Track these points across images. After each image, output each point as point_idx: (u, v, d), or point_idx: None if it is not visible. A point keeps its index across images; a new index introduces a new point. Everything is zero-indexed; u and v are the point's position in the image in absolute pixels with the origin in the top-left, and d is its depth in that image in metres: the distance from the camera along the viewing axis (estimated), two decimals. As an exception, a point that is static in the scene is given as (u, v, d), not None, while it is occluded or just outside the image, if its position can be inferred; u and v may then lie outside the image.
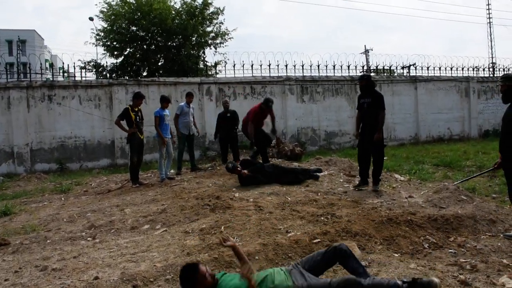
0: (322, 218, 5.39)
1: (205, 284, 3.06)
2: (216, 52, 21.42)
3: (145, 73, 20.20)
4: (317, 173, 8.47)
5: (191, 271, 3.09)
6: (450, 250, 4.36)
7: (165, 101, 9.84)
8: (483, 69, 20.31)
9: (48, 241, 5.41)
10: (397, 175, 9.08)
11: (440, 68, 18.97)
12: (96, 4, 18.71)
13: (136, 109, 9.32)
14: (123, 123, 9.29)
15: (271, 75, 16.31)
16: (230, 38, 20.79)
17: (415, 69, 18.88)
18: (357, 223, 4.97)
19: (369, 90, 7.36)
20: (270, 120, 10.54)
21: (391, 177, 8.80)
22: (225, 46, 25.63)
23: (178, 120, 10.42)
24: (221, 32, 20.69)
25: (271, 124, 10.55)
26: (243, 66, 16.01)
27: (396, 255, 4.30)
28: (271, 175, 7.92)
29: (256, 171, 7.95)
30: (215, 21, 20.62)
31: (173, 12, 19.58)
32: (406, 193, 6.99)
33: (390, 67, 18.93)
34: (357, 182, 7.64)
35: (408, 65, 19.24)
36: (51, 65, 17.35)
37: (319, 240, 4.50)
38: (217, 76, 17.47)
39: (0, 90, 13.63)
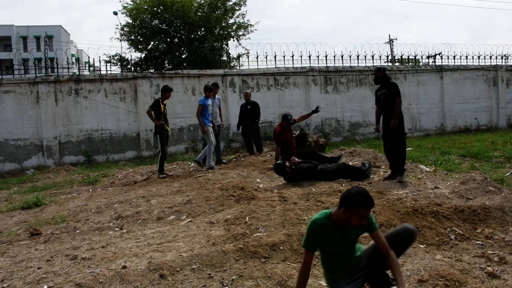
0: (347, 208, 5.36)
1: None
2: (239, 44, 21.47)
3: (169, 66, 20.37)
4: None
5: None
6: (477, 242, 4.30)
7: (207, 90, 10.01)
8: (513, 57, 19.71)
9: (77, 231, 5.56)
10: (422, 166, 8.95)
11: (466, 57, 18.48)
12: (120, 1, 19.08)
13: (165, 102, 9.54)
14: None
15: (294, 66, 16.23)
16: (252, 31, 20.75)
17: (441, 58, 18.45)
18: (382, 214, 4.94)
19: (384, 81, 7.41)
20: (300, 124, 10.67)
21: (416, 168, 8.68)
22: (248, 38, 25.62)
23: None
24: (244, 24, 20.66)
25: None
26: (266, 57, 15.98)
27: (422, 246, 4.26)
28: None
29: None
30: (237, 13, 20.60)
31: (195, 5, 19.63)
32: (431, 184, 6.89)
33: (415, 56, 18.56)
34: (388, 175, 7.55)
35: (434, 54, 18.81)
36: (77, 60, 17.67)
37: (343, 231, 4.48)
38: (241, 68, 17.47)
39: (29, 84, 13.98)
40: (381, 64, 17.52)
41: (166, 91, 9.59)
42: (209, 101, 9.92)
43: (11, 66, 16.23)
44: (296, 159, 7.50)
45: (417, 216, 4.85)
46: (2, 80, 14.00)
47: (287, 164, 7.35)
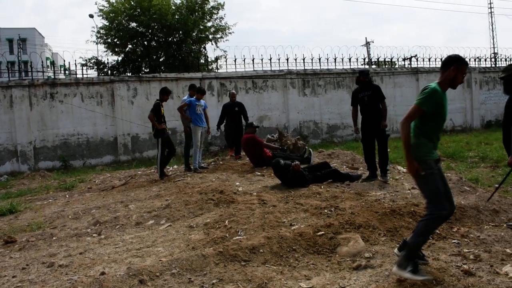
0: (326, 210, 5.41)
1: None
2: (217, 47, 21.46)
3: (146, 70, 20.21)
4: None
5: None
6: (454, 241, 4.38)
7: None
8: (485, 60, 20.25)
9: (54, 238, 5.45)
10: (399, 166, 9.08)
11: (441, 59, 18.84)
12: (95, 2, 18.76)
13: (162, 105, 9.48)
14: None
15: (272, 69, 16.31)
16: (230, 33, 20.78)
17: (417, 60, 18.83)
18: (360, 215, 4.99)
19: (368, 84, 7.52)
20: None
21: (394, 169, 8.81)
22: (226, 40, 25.67)
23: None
24: (221, 27, 20.67)
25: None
26: (244, 60, 16.01)
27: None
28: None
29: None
30: (215, 16, 20.61)
31: (173, 8, 19.55)
32: (409, 185, 7.00)
33: (391, 59, 18.88)
34: (366, 176, 7.64)
35: (410, 56, 19.19)
36: (52, 63, 17.37)
37: (323, 232, 4.52)
38: (219, 71, 17.46)
39: (2, 89, 13.67)
40: (358, 66, 17.75)
41: (165, 94, 9.52)
42: (200, 102, 9.85)
43: (-17, 70, 15.83)
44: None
45: (394, 217, 4.92)
46: (-26, 84, 13.65)
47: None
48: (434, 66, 18.68)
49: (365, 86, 7.51)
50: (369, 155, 7.62)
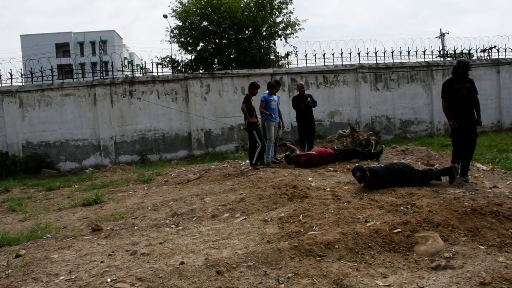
0: (402, 208, 5.23)
1: None
2: (286, 43, 21.47)
3: (218, 67, 20.68)
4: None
5: None
6: None
7: (270, 87, 9.98)
8: None
9: (135, 227, 5.75)
10: (479, 164, 8.57)
11: (526, 50, 17.52)
12: (169, 5, 19.55)
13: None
14: None
15: (343, 63, 16.03)
16: (300, 29, 20.68)
17: (497, 51, 17.59)
18: (439, 213, 4.76)
19: (466, 76, 7.02)
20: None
21: (472, 166, 8.32)
22: (296, 37, 25.56)
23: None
24: (291, 23, 20.62)
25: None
26: (314, 55, 15.94)
27: (482, 247, 4.07)
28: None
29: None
30: (284, 11, 20.60)
31: (242, 5, 19.79)
32: (490, 183, 6.58)
33: (468, 50, 17.83)
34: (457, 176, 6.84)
35: (489, 47, 17.97)
36: (130, 63, 18.30)
37: (399, 230, 4.38)
38: (289, 66, 17.46)
39: (87, 87, 14.65)
40: (433, 59, 16.98)
41: (254, 88, 9.62)
42: (273, 97, 9.86)
43: (70, 70, 17.06)
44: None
45: (476, 216, 4.64)
46: (63, 84, 14.76)
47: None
48: (517, 57, 17.38)
49: (463, 77, 6.99)
50: (464, 152, 7.08)
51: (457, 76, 6.99)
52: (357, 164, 7.02)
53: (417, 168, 7.23)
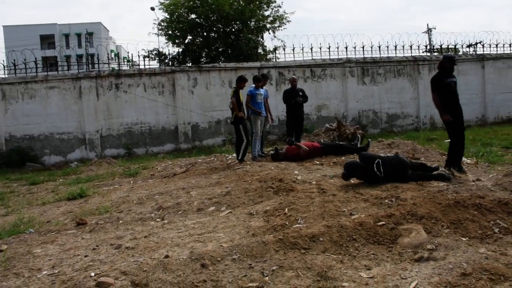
0: (386, 200, 5.27)
1: None
2: (274, 37, 21.48)
3: (206, 60, 20.58)
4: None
5: None
6: (523, 235, 4.13)
7: (256, 80, 9.91)
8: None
9: (120, 221, 5.71)
10: (463, 157, 8.67)
11: (510, 45, 17.72)
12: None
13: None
14: None
15: (331, 57, 16.06)
16: (288, 22, 20.67)
17: (482, 46, 17.81)
18: (422, 206, 4.81)
19: (453, 70, 7.20)
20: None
21: (458, 160, 8.42)
22: (284, 29, 25.57)
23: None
24: (279, 16, 20.59)
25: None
26: (302, 49, 15.94)
27: (464, 239, 4.13)
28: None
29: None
30: (272, 5, 20.55)
31: (231, -2, 19.72)
32: (473, 176, 6.65)
33: (454, 45, 18.00)
34: (453, 171, 6.92)
35: (475, 42, 18.17)
36: (117, 55, 18.13)
37: (383, 222, 4.41)
38: (277, 60, 17.44)
39: (72, 80, 14.47)
40: (420, 54, 17.12)
41: (242, 81, 9.57)
42: (259, 91, 9.79)
43: (55, 62, 16.83)
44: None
45: (459, 209, 4.70)
46: (48, 76, 14.55)
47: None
48: (502, 52, 17.57)
49: (451, 72, 7.17)
50: (459, 146, 7.09)
51: (445, 71, 7.08)
52: (350, 160, 7.05)
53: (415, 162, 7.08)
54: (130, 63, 17.70)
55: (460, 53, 18.12)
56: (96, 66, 16.07)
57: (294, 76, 11.61)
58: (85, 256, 4.28)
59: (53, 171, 12.63)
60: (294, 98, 10.60)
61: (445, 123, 7.16)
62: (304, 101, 10.79)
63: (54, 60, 16.78)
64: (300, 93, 10.75)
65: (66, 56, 21.98)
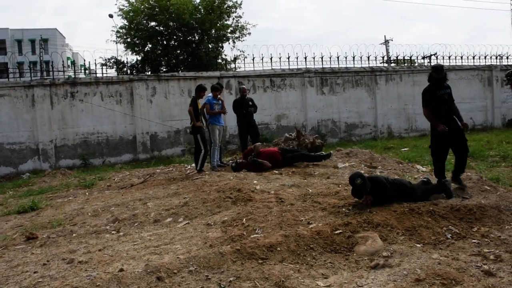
0: (344, 209, 5.38)
1: None
2: (234, 47, 21.56)
3: (165, 69, 20.39)
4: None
5: None
6: (474, 241, 4.31)
7: (214, 89, 9.87)
8: (507, 57, 19.80)
9: (74, 234, 5.53)
10: (418, 166, 8.98)
11: (462, 57, 18.55)
12: (115, 3, 19.01)
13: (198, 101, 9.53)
14: None
15: (290, 67, 16.27)
16: (249, 33, 20.83)
17: (436, 58, 18.59)
18: (378, 214, 4.95)
19: (445, 81, 6.59)
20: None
21: (412, 168, 8.70)
22: (244, 40, 25.74)
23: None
24: (239, 26, 20.72)
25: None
26: (262, 59, 16.07)
27: (418, 245, 4.26)
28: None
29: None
30: (233, 15, 20.66)
31: (191, 7, 19.66)
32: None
33: (410, 57, 18.68)
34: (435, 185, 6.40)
35: (429, 54, 18.98)
36: (73, 63, 17.66)
37: (340, 231, 4.50)
38: (237, 70, 17.51)
39: (24, 88, 13.94)
40: (377, 65, 17.61)
41: (201, 91, 9.54)
42: (216, 100, 9.76)
43: (5, 69, 16.19)
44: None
45: (413, 216, 4.86)
46: (-3, 83, 13.94)
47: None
48: (455, 64, 18.36)
49: (442, 83, 6.54)
50: (443, 159, 6.66)
51: (435, 82, 6.57)
52: (356, 171, 6.57)
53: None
54: (87, 71, 17.29)
55: (416, 64, 18.80)
56: (50, 73, 15.55)
57: (244, 86, 11.83)
58: (34, 272, 4.11)
59: (3, 183, 12.08)
60: (245, 108, 10.75)
61: (434, 139, 6.67)
62: (254, 111, 10.95)
63: (5, 67, 16.11)
64: (250, 103, 10.89)
65: (18, 63, 21.18)
